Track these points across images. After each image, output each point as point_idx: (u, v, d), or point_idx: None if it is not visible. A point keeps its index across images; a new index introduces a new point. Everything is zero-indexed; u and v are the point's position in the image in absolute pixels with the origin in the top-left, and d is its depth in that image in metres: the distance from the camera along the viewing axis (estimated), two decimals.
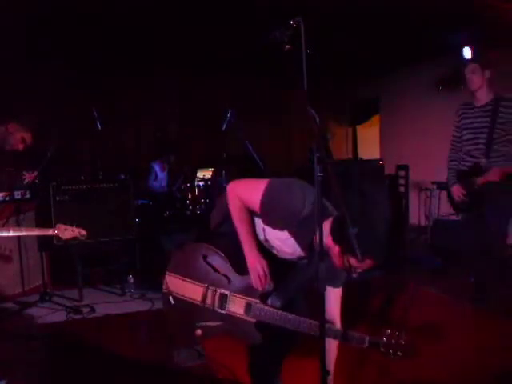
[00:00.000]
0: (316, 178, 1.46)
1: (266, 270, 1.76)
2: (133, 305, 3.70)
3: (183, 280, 1.88)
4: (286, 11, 1.80)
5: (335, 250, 1.61)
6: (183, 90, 6.33)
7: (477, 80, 3.30)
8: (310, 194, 1.67)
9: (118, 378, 2.53)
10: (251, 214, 1.84)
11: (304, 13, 1.68)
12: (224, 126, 4.54)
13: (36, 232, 2.82)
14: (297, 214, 1.67)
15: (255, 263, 1.77)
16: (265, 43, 1.88)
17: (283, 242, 1.80)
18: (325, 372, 1.45)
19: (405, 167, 5.96)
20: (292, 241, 1.77)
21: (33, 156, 3.82)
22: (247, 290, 1.80)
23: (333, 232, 1.62)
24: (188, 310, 1.85)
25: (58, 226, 2.48)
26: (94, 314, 3.51)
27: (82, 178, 3.87)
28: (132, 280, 4.17)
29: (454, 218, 5.67)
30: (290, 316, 1.70)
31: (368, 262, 1.56)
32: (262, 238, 1.86)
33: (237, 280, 1.83)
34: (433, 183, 5.75)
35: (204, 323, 1.83)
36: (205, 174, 5.15)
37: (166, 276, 1.90)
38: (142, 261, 4.74)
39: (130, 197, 4.01)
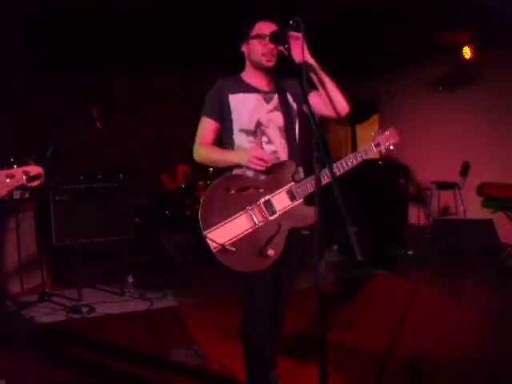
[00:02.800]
0: (316, 176, 1.47)
1: (256, 149, 1.83)
2: (132, 304, 3.70)
3: (225, 224, 1.80)
4: (285, 11, 1.80)
5: (249, 48, 1.96)
6: (183, 89, 6.33)
7: None
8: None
9: (117, 377, 2.53)
10: (228, 142, 1.98)
11: (304, 13, 1.69)
12: None
13: None
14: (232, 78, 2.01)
15: (246, 157, 1.82)
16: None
17: (258, 101, 1.95)
18: (324, 372, 1.44)
19: (404, 167, 5.98)
20: (260, 96, 1.96)
21: (32, 155, 3.81)
22: (279, 182, 1.87)
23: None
24: (249, 244, 1.80)
25: None
26: (94, 313, 3.51)
27: (81, 177, 3.86)
28: (131, 280, 4.17)
29: (453, 217, 5.69)
30: (321, 172, 1.77)
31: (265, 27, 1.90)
32: (253, 128, 1.93)
33: (265, 182, 1.86)
34: (432, 183, 5.75)
35: (269, 241, 1.80)
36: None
37: (208, 235, 1.78)
38: (141, 261, 4.75)
39: (129, 196, 4.01)
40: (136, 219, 4.36)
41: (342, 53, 5.44)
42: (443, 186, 5.67)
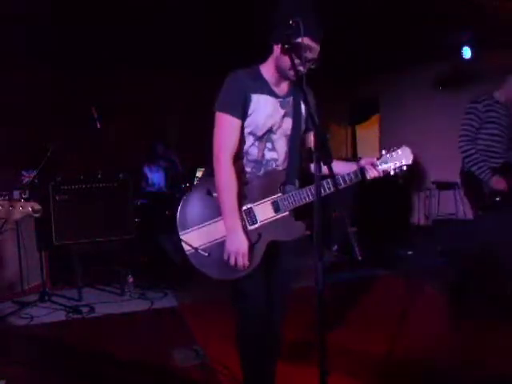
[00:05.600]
0: (316, 177, 1.46)
1: (246, 254, 1.68)
2: (132, 304, 3.70)
3: (202, 227, 1.75)
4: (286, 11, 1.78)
5: (283, 56, 1.69)
6: (183, 89, 6.33)
7: None
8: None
9: (117, 377, 2.53)
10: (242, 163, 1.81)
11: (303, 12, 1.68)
12: None
13: None
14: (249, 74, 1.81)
15: (237, 245, 1.68)
16: (265, 43, 1.88)
17: (275, 107, 1.81)
18: (324, 372, 1.44)
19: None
20: (277, 102, 1.81)
21: (32, 155, 3.81)
22: (265, 192, 1.78)
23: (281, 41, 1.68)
24: (223, 250, 1.72)
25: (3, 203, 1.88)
26: (94, 313, 3.51)
27: (82, 177, 3.86)
28: (131, 280, 4.16)
29: (453, 217, 5.69)
30: (312, 187, 1.72)
31: (312, 46, 1.68)
32: (262, 133, 1.80)
33: (250, 190, 1.78)
34: (432, 183, 5.76)
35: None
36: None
37: (182, 238, 1.74)
38: (141, 261, 4.75)
39: (130, 196, 4.01)
40: (136, 219, 4.36)
41: (343, 53, 5.44)
42: (443, 185, 5.68)
